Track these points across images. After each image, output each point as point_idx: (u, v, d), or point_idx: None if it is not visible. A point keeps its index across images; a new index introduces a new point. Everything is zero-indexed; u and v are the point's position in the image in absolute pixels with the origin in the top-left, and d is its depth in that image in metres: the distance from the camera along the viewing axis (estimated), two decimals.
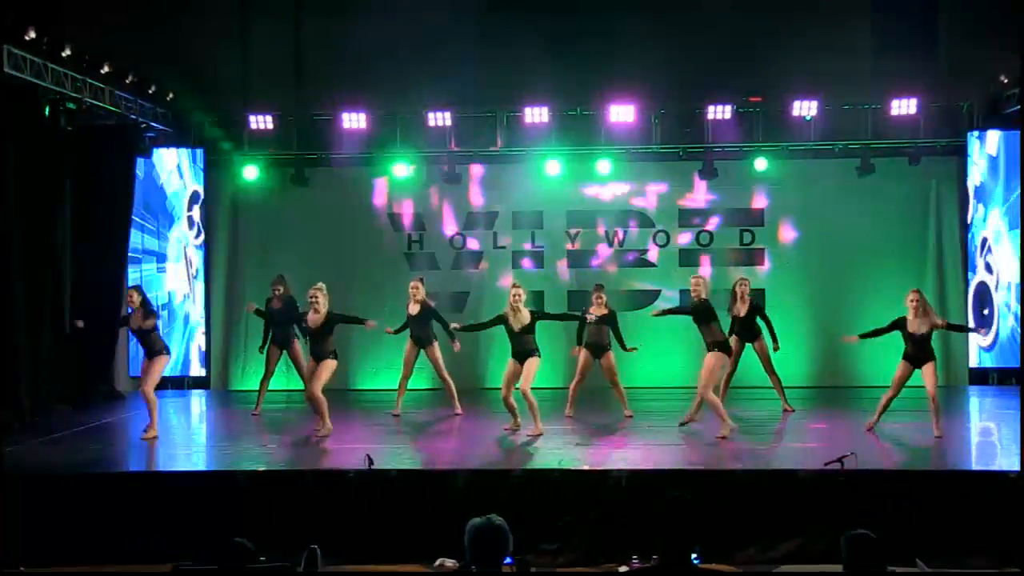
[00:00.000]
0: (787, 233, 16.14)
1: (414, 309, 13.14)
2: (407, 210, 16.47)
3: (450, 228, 16.46)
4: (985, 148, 15.58)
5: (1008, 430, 11.97)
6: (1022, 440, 9.44)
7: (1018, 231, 15.40)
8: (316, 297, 11.55)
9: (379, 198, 16.46)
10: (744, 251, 16.18)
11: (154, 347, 11.66)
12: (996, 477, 9.37)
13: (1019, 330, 14.83)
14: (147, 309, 11.66)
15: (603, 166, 15.91)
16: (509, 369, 11.62)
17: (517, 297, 11.54)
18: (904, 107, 15.14)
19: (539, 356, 11.59)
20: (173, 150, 16.27)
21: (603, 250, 16.37)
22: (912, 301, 11.34)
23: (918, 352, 11.31)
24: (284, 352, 13.59)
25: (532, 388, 11.53)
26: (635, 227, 16.33)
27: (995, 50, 14.45)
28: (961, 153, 15.75)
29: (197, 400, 15.84)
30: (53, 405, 13.63)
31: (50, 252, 13.92)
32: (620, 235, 16.35)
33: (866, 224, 15.76)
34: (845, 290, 15.79)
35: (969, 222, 15.76)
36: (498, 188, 16.44)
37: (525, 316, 11.53)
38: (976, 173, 15.64)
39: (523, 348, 11.54)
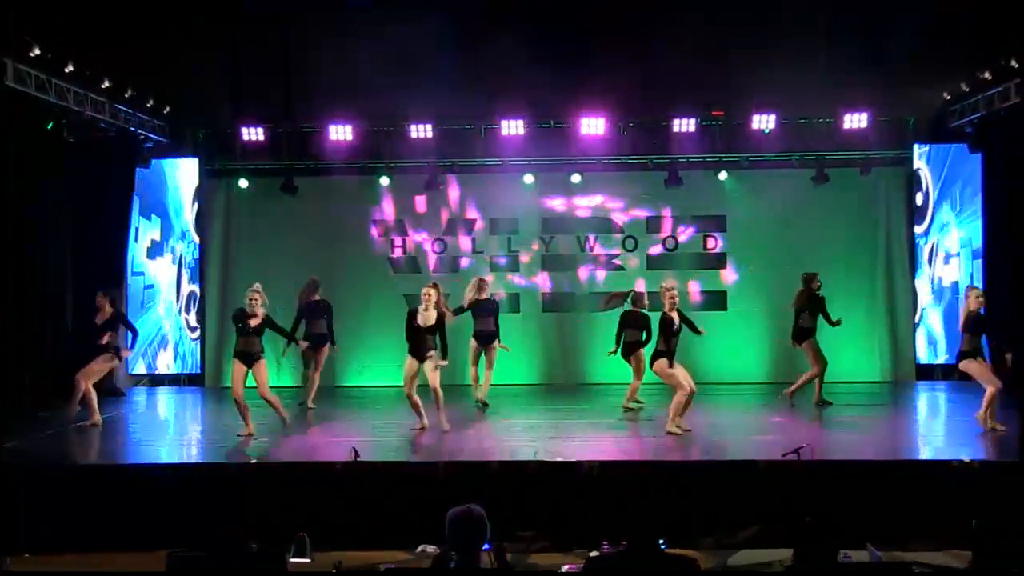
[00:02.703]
0: (747, 238, 16.18)
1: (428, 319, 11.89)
2: (390, 217, 16.43)
3: (431, 234, 16.43)
4: (930, 160, 15.78)
5: (953, 422, 12.05)
6: (1022, 434, 9.58)
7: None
8: (256, 299, 11.36)
9: (364, 205, 16.41)
10: (707, 256, 16.23)
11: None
12: (943, 466, 9.43)
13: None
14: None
15: (575, 175, 15.95)
16: (409, 367, 11.38)
17: (427, 296, 11.34)
18: (856, 121, 15.25)
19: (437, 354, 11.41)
20: (169, 160, 16.21)
21: (576, 255, 16.37)
22: (978, 298, 11.01)
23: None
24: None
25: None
26: (605, 233, 16.34)
27: (939, 69, 14.61)
28: (908, 164, 15.89)
29: (192, 397, 15.76)
30: (55, 401, 13.53)
31: (53, 257, 13.85)
32: (591, 241, 16.37)
33: (821, 230, 15.83)
34: None
35: (918, 227, 15.90)
36: (476, 196, 16.41)
37: (431, 317, 11.31)
38: (925, 183, 15.81)
39: (423, 346, 11.35)
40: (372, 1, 15.58)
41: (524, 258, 16.32)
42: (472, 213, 16.40)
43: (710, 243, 16.25)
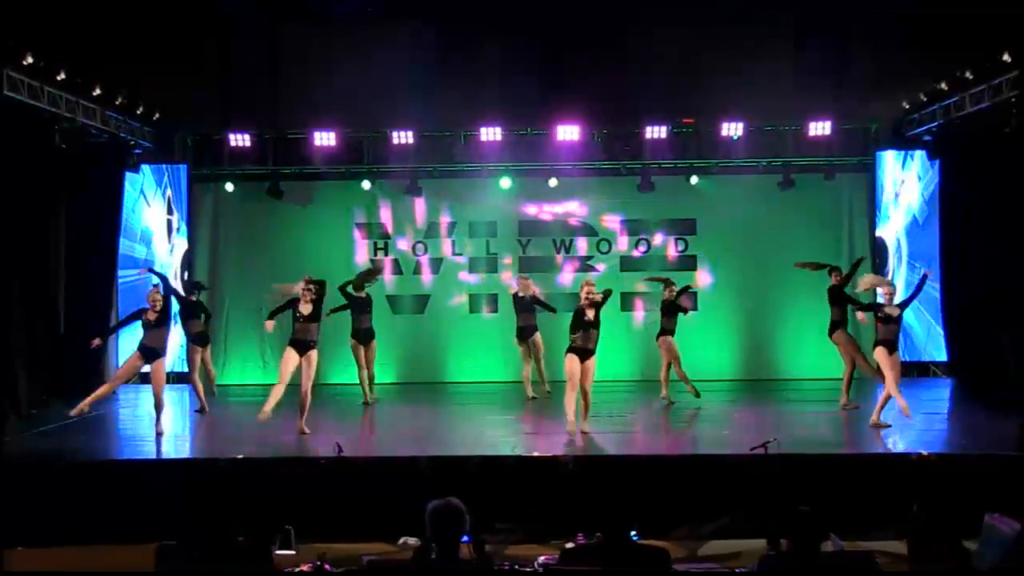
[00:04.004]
0: (717, 241, 16.24)
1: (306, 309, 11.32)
2: (373, 220, 16.40)
3: (412, 236, 16.41)
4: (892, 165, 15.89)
5: (912, 417, 12.14)
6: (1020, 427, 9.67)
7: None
8: (156, 299, 11.34)
9: (348, 209, 16.38)
10: (678, 258, 16.28)
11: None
12: (901, 459, 9.52)
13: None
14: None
15: (551, 180, 15.96)
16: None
17: (307, 291, 11.10)
18: (820, 128, 15.33)
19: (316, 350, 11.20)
20: (159, 165, 16.12)
21: (551, 257, 16.38)
22: (887, 294, 11.47)
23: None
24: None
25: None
26: (580, 236, 16.37)
27: (899, 80, 14.73)
28: (870, 170, 16.00)
29: (180, 394, 15.64)
30: (48, 400, 13.44)
31: (46, 260, 13.75)
32: (567, 243, 16.38)
33: (787, 232, 15.90)
34: (768, 292, 15.95)
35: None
36: (456, 200, 16.39)
37: (308, 308, 11.09)
38: (888, 186, 15.94)
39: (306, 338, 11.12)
40: (357, 11, 15.56)
41: (505, 259, 16.30)
42: (452, 217, 16.39)
43: (681, 246, 16.31)
